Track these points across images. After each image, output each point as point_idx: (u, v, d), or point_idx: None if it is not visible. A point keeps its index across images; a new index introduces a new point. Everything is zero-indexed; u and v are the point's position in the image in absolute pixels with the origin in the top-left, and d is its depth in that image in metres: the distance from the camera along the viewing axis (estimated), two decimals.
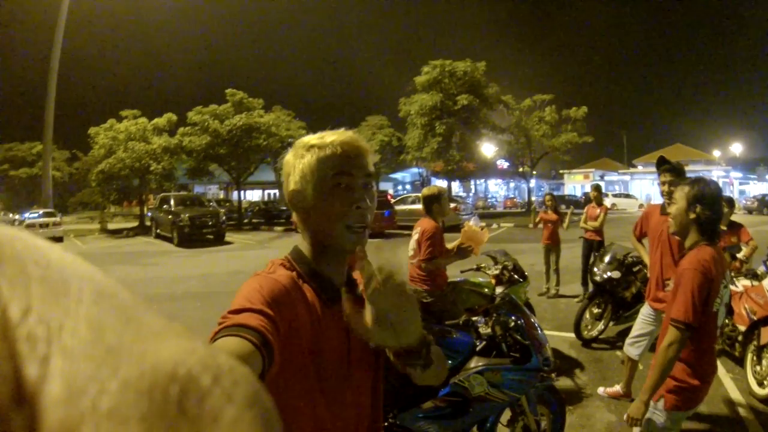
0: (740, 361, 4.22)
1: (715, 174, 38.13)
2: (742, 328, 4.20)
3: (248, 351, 0.70)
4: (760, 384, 3.77)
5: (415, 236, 3.72)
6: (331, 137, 0.96)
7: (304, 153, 0.96)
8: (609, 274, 5.07)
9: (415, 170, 37.81)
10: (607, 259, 5.26)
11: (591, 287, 5.63)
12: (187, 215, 16.26)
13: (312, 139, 0.97)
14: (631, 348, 3.50)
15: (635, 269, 5.14)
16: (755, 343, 3.95)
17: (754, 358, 3.94)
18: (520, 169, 33.06)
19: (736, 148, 42.98)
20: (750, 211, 29.17)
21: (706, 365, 2.05)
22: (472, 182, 45.73)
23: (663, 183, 3.26)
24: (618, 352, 4.68)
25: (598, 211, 7.10)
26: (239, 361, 0.22)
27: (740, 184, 43.41)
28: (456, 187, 39.59)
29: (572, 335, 5.03)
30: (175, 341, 0.21)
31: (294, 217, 1.02)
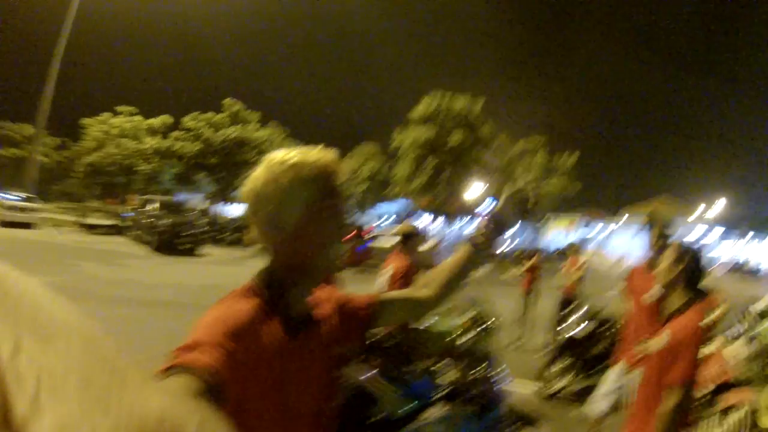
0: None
1: (699, 229, 40.33)
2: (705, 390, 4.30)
3: (194, 393, 0.67)
4: None
5: (387, 275, 3.63)
6: (313, 156, 0.91)
7: (283, 171, 0.88)
8: (579, 329, 5.14)
9: (400, 203, 37.48)
10: (579, 314, 5.33)
11: (561, 340, 5.70)
12: (169, 221, 15.96)
13: (290, 156, 0.90)
14: (598, 404, 3.46)
15: (605, 326, 5.19)
16: (715, 408, 4.08)
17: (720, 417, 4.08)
18: None
19: (722, 203, 43.77)
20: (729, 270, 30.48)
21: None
22: (458, 220, 45.90)
23: (653, 239, 3.32)
24: (580, 408, 4.63)
25: (576, 267, 7.27)
26: (216, 413, 0.25)
27: (721, 239, 45.49)
28: (440, 224, 39.49)
29: (537, 386, 5.05)
30: (158, 393, 0.23)
31: (254, 236, 0.93)
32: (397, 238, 3.99)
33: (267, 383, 0.84)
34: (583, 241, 7.92)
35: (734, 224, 47.80)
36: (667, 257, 2.18)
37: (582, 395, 4.93)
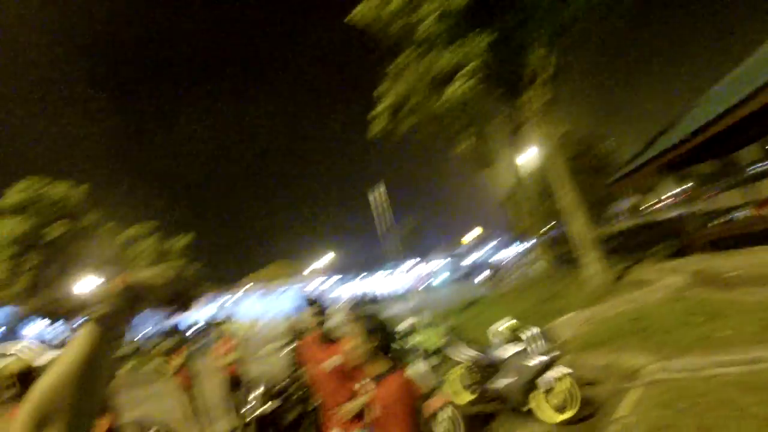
0: None
1: (317, 281, 47.96)
2: None
3: None
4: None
5: None
6: None
7: None
8: (266, 406, 5.07)
9: (2, 311, 29.49)
10: (257, 393, 5.23)
11: (252, 421, 5.18)
12: None
13: None
14: None
15: (289, 393, 5.32)
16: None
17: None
18: None
19: (328, 258, 50.95)
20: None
21: None
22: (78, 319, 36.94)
23: (311, 316, 3.45)
24: None
25: (232, 343, 6.99)
26: None
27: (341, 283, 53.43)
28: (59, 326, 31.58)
29: None
30: None
31: None
32: None
33: None
34: (225, 317, 7.83)
35: (345, 270, 56.20)
36: (356, 335, 2.29)
37: None
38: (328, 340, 3.40)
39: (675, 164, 11.67)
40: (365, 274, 63.69)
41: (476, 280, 29.86)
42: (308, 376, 3.62)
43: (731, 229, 10.55)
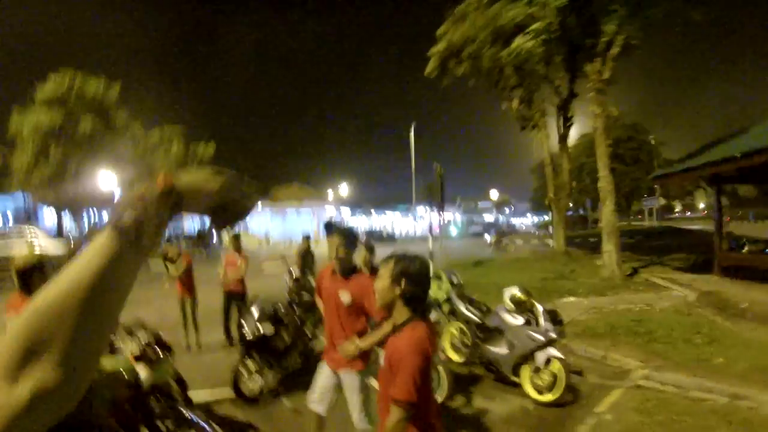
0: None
1: (329, 210, 46.44)
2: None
3: None
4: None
5: None
6: None
7: None
8: (261, 331, 5.01)
9: (17, 197, 30.58)
10: (255, 314, 5.15)
11: (246, 339, 5.12)
12: None
13: None
14: (317, 405, 3.34)
15: (285, 321, 5.35)
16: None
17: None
18: None
19: (344, 189, 50.24)
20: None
21: None
22: (86, 213, 35.65)
23: (334, 246, 3.28)
24: (285, 401, 4.77)
25: (238, 260, 6.73)
26: None
27: (351, 216, 53.52)
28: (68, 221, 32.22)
29: (230, 392, 4.81)
30: None
31: None
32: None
33: None
34: (239, 229, 7.21)
35: (358, 204, 56.66)
36: (383, 277, 2.12)
37: (283, 390, 4.98)
38: (349, 271, 3.31)
39: (723, 178, 11.20)
40: (382, 210, 64.29)
41: (488, 240, 29.59)
42: (320, 305, 3.59)
43: (761, 261, 10.24)
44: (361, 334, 3.23)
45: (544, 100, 17.69)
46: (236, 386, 4.81)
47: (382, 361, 2.15)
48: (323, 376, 3.35)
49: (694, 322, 7.12)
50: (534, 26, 11.25)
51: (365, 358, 3.21)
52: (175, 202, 0.66)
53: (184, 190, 0.67)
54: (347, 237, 3.30)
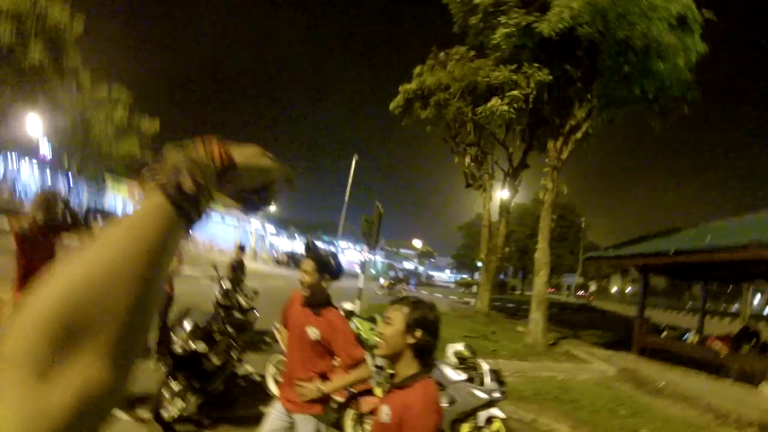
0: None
1: (254, 223, 43.94)
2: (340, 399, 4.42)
3: None
4: None
5: None
6: None
7: None
8: (193, 347, 4.37)
9: None
10: (187, 327, 4.47)
11: (174, 355, 4.47)
12: None
13: None
14: None
15: (218, 338, 4.69)
16: (354, 411, 4.59)
17: (356, 422, 4.59)
18: (66, 164, 27.97)
19: (273, 206, 51.29)
20: (279, 263, 37.58)
21: None
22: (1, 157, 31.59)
23: (308, 272, 2.82)
24: None
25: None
26: None
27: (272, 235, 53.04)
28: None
29: (149, 417, 4.11)
30: None
31: None
32: None
33: None
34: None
35: (284, 224, 55.59)
36: (395, 322, 1.87)
37: (203, 417, 4.47)
38: (321, 303, 2.88)
39: (650, 268, 12.23)
40: (306, 236, 63.17)
41: (381, 283, 29.48)
42: (281, 336, 3.26)
43: (678, 347, 11.14)
44: (323, 376, 2.87)
45: (496, 163, 18.49)
46: (157, 410, 4.06)
47: (383, 415, 1.88)
48: (274, 416, 2.95)
49: (615, 395, 7.45)
50: (513, 92, 11.93)
51: (325, 402, 2.86)
52: (227, 177, 0.56)
53: (241, 164, 0.57)
54: (325, 265, 2.84)
